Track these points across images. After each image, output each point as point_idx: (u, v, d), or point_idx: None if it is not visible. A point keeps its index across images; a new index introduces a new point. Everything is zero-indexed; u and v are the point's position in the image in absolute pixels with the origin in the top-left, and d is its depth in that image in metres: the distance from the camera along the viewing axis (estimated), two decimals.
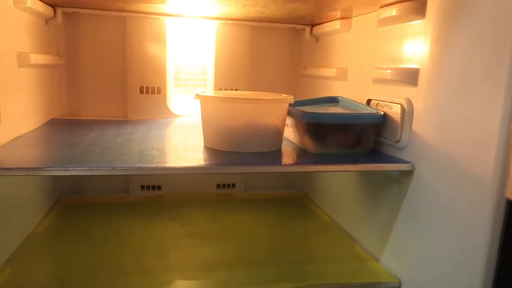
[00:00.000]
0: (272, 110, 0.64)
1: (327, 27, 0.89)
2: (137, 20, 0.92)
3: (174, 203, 0.95)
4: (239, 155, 0.61)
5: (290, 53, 1.05)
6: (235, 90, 1.00)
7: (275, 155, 0.63)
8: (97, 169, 0.50)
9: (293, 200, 1.02)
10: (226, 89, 1.00)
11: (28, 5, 0.70)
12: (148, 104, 0.96)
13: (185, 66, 0.98)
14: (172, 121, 0.94)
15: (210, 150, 0.64)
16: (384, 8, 0.66)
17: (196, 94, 0.66)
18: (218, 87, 1.00)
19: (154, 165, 0.52)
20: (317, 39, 0.98)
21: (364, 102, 0.72)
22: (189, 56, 0.98)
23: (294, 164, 0.58)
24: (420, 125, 0.58)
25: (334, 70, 0.85)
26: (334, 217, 0.88)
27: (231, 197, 1.02)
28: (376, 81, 0.70)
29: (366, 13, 0.75)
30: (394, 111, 0.63)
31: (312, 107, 0.77)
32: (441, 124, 0.54)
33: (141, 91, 0.96)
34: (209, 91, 0.98)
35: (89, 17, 0.92)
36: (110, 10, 0.89)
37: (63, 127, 0.81)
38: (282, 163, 0.59)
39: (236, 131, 0.63)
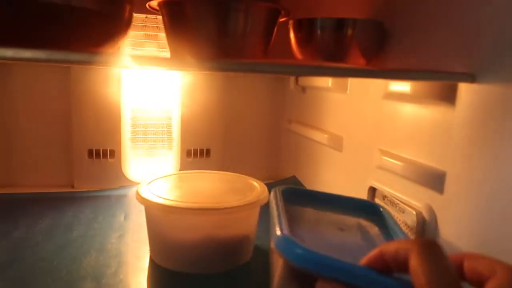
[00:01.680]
0: (239, 218, 0.48)
1: (316, 81, 0.74)
2: (85, 70, 0.75)
3: None
4: (194, 280, 0.46)
5: (272, 102, 0.89)
6: (207, 151, 0.84)
7: (242, 278, 0.48)
8: None
9: None
10: (195, 150, 0.83)
11: None
12: (99, 170, 0.79)
13: (144, 124, 0.81)
14: (128, 192, 0.77)
15: (157, 269, 0.49)
16: (394, 80, 0.52)
17: (137, 193, 0.49)
18: (185, 147, 0.83)
19: None
20: (303, 89, 0.82)
21: (366, 189, 0.57)
22: (149, 111, 0.81)
23: None
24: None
25: (326, 136, 0.70)
26: None
27: None
28: (382, 168, 0.55)
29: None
30: (407, 218, 0.48)
31: (333, 217, 0.42)
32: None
33: (90, 156, 0.78)
34: (171, 161, 0.81)
35: (24, 66, 0.74)
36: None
37: None
38: None
39: (190, 247, 0.47)
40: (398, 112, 0.52)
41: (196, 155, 0.83)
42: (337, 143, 0.67)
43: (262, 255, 0.52)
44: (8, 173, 0.77)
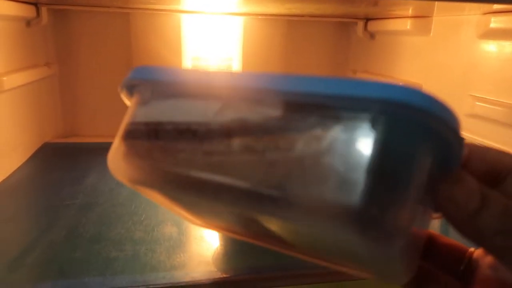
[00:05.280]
0: None
1: (391, 24, 0.68)
2: (145, 17, 0.72)
3: None
4: None
5: (335, 51, 0.84)
6: None
7: None
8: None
9: None
10: None
11: None
12: None
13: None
14: None
15: None
16: (496, 15, 0.45)
17: None
18: None
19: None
20: (372, 36, 0.76)
21: None
22: (209, 60, 0.78)
23: None
24: None
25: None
26: None
27: None
28: (474, 116, 0.50)
29: (458, 15, 0.54)
30: None
31: None
32: None
33: None
34: None
35: (84, 14, 0.72)
36: (108, 7, 0.69)
37: (53, 163, 0.64)
38: None
39: None
40: (500, 53, 0.46)
41: None
42: None
43: None
44: (71, 123, 0.78)
